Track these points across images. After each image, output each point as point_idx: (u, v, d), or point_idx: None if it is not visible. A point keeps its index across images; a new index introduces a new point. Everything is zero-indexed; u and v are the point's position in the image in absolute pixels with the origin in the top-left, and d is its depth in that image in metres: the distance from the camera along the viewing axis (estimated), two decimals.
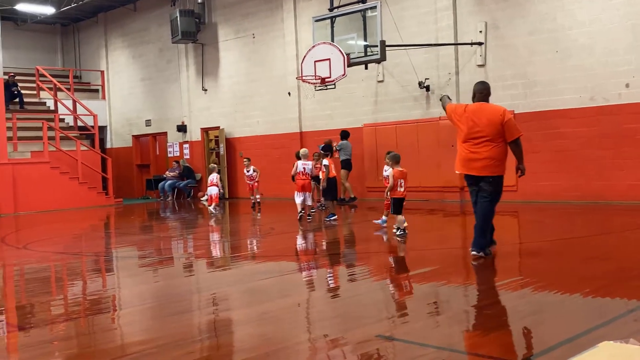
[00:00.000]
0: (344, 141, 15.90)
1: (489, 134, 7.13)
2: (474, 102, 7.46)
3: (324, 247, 10.17)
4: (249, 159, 16.87)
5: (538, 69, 13.88)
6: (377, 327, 4.90)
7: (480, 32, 14.67)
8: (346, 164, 15.81)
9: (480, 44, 14.67)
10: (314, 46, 13.99)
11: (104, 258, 9.93)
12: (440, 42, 15.17)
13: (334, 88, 14.32)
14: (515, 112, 14.20)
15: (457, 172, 7.70)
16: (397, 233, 9.61)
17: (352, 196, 15.82)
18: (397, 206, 9.65)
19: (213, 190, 15.53)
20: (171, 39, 20.54)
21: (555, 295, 5.76)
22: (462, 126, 7.29)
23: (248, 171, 16.45)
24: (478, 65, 14.77)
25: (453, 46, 15.03)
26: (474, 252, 7.38)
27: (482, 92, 7.39)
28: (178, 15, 19.94)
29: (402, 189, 9.70)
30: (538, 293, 5.83)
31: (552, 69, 13.67)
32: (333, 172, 13.07)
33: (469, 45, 14.77)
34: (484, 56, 14.66)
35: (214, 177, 15.69)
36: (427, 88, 15.50)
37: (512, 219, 12.64)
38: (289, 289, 6.70)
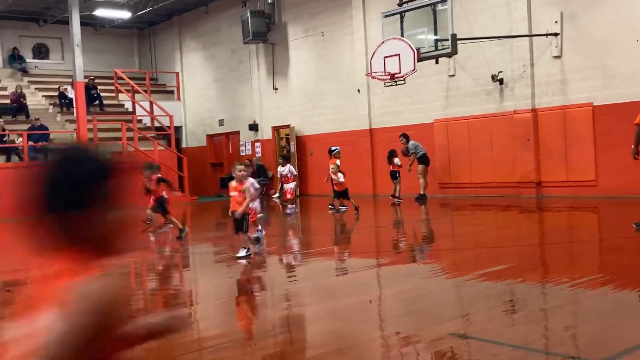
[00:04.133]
0: (412, 141, 15.70)
1: None
2: None
3: (397, 244, 10.11)
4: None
5: (617, 59, 13.31)
6: (451, 325, 4.83)
7: (556, 22, 14.19)
8: (423, 159, 15.62)
9: (555, 34, 14.19)
10: (383, 42, 13.91)
11: (181, 254, 10.20)
12: (513, 33, 14.77)
13: (404, 84, 14.18)
14: (594, 104, 13.68)
15: None
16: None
17: (422, 193, 15.58)
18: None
19: (291, 185, 15.77)
20: (242, 39, 20.86)
21: (637, 293, 5.52)
22: None
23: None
24: (554, 57, 14.30)
25: (527, 38, 14.62)
26: None
27: None
28: (249, 15, 20.23)
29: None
30: (619, 292, 5.60)
31: (632, 59, 13.07)
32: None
33: (544, 37, 14.32)
34: (560, 47, 14.18)
35: (289, 169, 15.83)
36: (501, 81, 15.14)
37: (592, 215, 12.21)
38: (360, 286, 6.69)
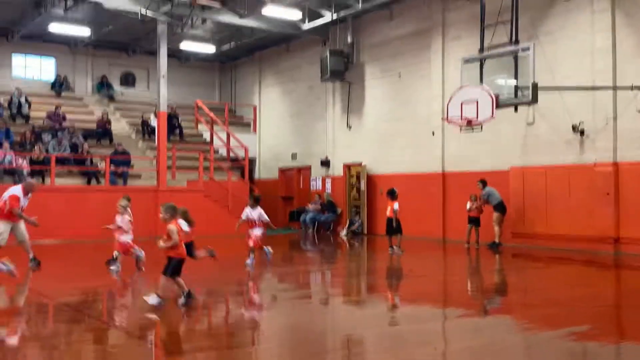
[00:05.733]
0: (488, 188, 15.53)
1: None
2: None
3: (467, 294, 9.87)
4: (128, 198, 11.88)
5: None
6: None
7: None
8: (499, 207, 15.42)
9: None
10: (461, 87, 13.82)
11: (245, 289, 10.29)
12: (597, 84, 14.40)
13: (481, 131, 14.02)
14: None
15: None
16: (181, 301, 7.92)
17: (497, 241, 15.24)
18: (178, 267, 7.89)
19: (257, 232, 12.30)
20: (320, 77, 21.20)
21: None
22: None
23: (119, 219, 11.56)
24: (639, 111, 13.83)
25: (611, 90, 14.21)
26: None
27: None
28: (328, 55, 20.58)
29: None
30: None
31: None
32: None
33: (629, 90, 13.88)
34: None
35: (259, 213, 12.37)
36: (582, 132, 14.74)
37: None
38: (428, 337, 6.55)
